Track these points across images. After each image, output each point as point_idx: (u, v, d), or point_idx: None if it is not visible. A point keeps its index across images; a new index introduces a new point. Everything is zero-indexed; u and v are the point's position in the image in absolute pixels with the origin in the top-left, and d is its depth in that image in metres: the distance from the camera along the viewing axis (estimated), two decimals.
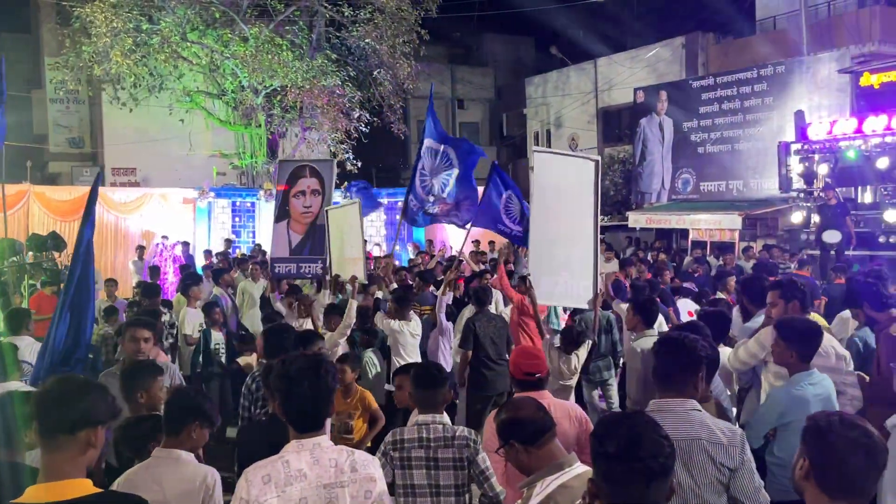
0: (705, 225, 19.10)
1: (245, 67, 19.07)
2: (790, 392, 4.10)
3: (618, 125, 27.25)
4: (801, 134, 16.38)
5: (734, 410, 5.32)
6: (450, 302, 8.94)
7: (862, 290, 5.76)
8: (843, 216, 13.86)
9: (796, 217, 15.57)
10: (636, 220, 21.48)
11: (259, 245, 17.53)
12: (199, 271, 14.24)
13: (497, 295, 9.96)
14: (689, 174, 22.02)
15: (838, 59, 18.28)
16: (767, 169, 18.65)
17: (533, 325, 7.02)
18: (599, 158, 6.67)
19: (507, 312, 8.98)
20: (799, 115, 17.67)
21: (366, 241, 18.71)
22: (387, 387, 7.66)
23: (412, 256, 17.20)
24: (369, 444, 5.80)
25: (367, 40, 20.32)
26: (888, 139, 13.96)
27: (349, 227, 8.05)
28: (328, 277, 8.04)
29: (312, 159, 12.42)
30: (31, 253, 13.42)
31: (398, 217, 9.58)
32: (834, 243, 13.52)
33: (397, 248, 19.64)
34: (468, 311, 8.69)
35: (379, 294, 9.56)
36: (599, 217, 6.48)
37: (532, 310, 7.10)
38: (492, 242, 18.13)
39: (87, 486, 2.45)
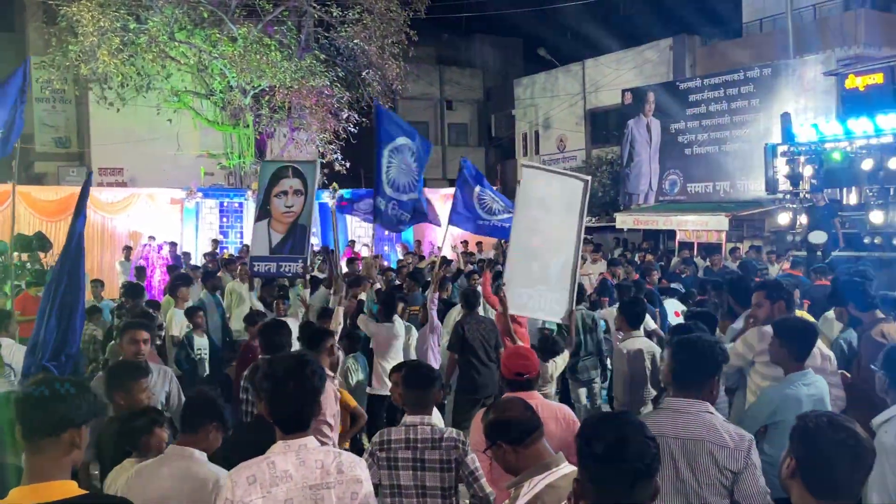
0: (692, 226, 19.18)
1: (233, 67, 19.01)
2: (783, 391, 4.11)
3: (605, 126, 27.33)
4: (788, 136, 16.46)
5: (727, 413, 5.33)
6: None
7: (847, 290, 5.76)
8: (831, 217, 13.94)
9: (783, 218, 15.64)
10: (623, 221, 21.54)
11: (247, 246, 17.45)
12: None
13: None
14: (677, 175, 22.11)
15: (824, 62, 18.42)
16: (754, 170, 18.74)
17: (521, 330, 7.02)
18: (590, 179, 6.67)
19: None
20: (785, 117, 17.74)
21: (353, 241, 18.81)
22: (368, 390, 7.64)
23: (401, 257, 17.19)
24: (347, 445, 5.77)
25: (355, 41, 20.30)
26: (873, 141, 14.04)
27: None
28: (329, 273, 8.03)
29: (295, 160, 12.41)
30: (16, 253, 13.30)
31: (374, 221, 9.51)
32: (820, 244, 13.59)
33: (386, 248, 19.66)
34: (456, 313, 8.67)
35: (363, 296, 9.54)
36: (583, 236, 6.50)
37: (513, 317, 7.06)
38: (479, 243, 18.15)
39: (71, 488, 2.42)
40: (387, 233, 20.41)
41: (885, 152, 13.70)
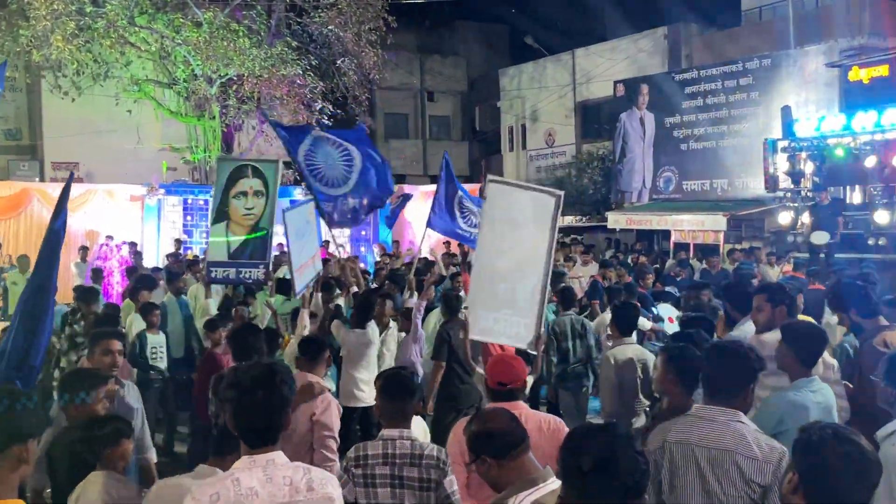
0: (688, 226, 19.29)
1: (198, 55, 18.89)
2: (789, 397, 4.13)
3: (597, 120, 27.43)
4: (788, 130, 16.60)
5: None
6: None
7: (849, 294, 5.76)
8: (835, 217, 14.07)
9: (784, 218, 15.76)
10: (616, 220, 21.63)
11: None
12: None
13: None
14: (672, 172, 22.23)
15: (826, 53, 18.57)
16: (753, 167, 18.87)
17: None
18: (562, 193, 6.63)
19: None
20: (786, 110, 17.90)
21: (328, 241, 18.74)
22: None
23: (378, 258, 17.14)
24: None
25: (330, 27, 20.25)
26: (877, 137, 14.18)
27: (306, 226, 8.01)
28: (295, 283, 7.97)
29: (255, 158, 12.39)
30: None
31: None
32: (823, 245, 13.71)
33: (363, 249, 19.62)
34: (435, 319, 8.65)
35: (341, 301, 9.50)
36: (553, 255, 6.49)
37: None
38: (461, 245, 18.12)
39: None
40: (363, 233, 20.41)
41: (890, 149, 13.83)
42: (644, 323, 8.02)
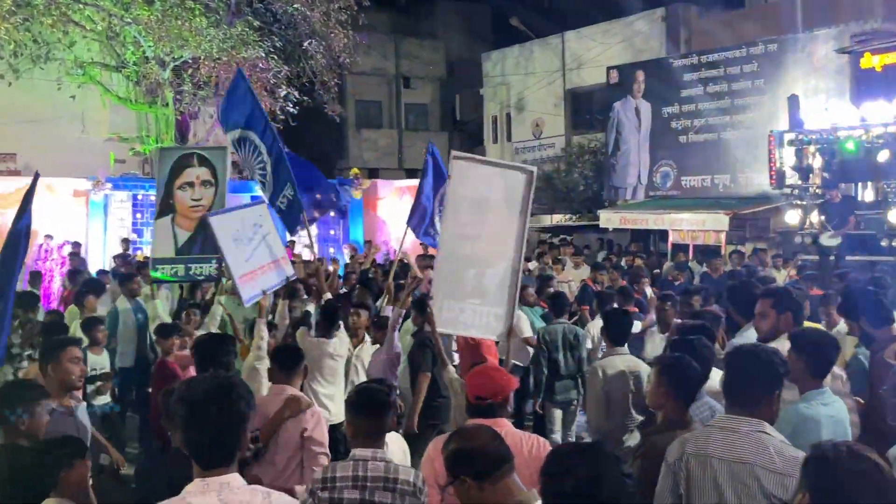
0: (687, 226, 19.37)
1: (149, 35, 18.76)
2: (800, 411, 4.16)
3: (588, 109, 27.53)
4: (796, 121, 16.72)
5: None
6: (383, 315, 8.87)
7: (860, 301, 5.78)
8: (847, 216, 14.17)
9: (791, 217, 15.86)
10: (609, 219, 21.69)
11: None
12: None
13: None
14: (669, 167, 22.35)
15: (836, 38, 18.73)
16: (758, 161, 19.00)
17: (486, 342, 7.00)
18: (535, 169, 6.65)
19: None
20: (793, 100, 18.04)
21: (293, 241, 18.68)
22: None
23: (348, 260, 17.08)
24: None
25: (295, 5, 20.17)
26: (891, 129, 14.29)
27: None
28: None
29: (201, 146, 12.34)
30: None
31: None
32: (834, 247, 13.82)
33: (331, 250, 19.56)
34: (407, 326, 8.64)
35: (311, 307, 9.49)
36: (526, 237, 6.49)
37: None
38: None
39: None
40: (332, 232, 20.36)
41: None
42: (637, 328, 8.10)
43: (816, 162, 15.79)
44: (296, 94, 20.76)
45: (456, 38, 35.05)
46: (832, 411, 4.17)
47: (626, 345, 6.33)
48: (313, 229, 20.10)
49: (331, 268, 13.54)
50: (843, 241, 13.80)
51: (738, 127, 20.66)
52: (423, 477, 3.93)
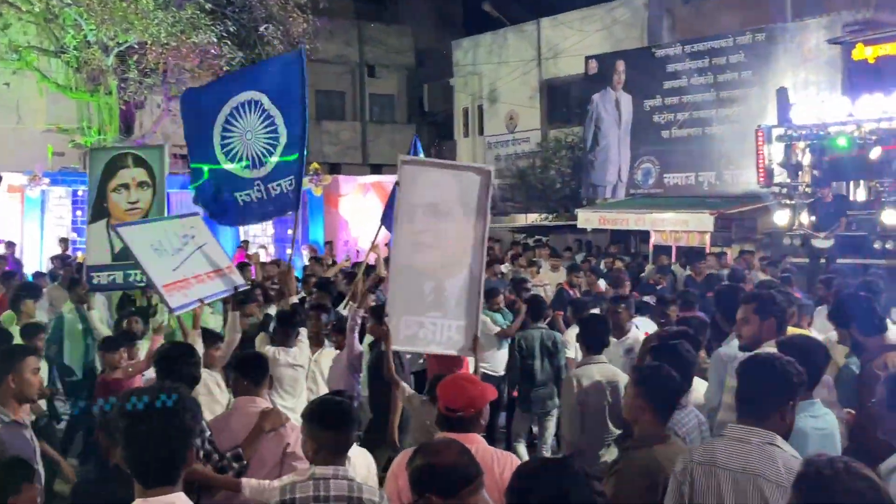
0: (670, 226, 19.48)
1: (91, 17, 18.61)
2: None
3: (565, 102, 27.66)
4: (785, 116, 16.89)
5: None
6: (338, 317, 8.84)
7: (851, 308, 5.78)
8: (839, 216, 14.33)
9: (780, 217, 16.02)
10: (587, 219, 21.77)
11: None
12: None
13: None
14: (651, 163, 22.49)
15: (828, 27, 18.94)
16: (745, 158, 19.18)
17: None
18: (492, 169, 6.70)
19: None
20: (782, 93, 18.22)
21: (247, 241, 18.59)
22: None
23: (307, 262, 17.00)
24: None
25: None
26: (884, 125, 14.47)
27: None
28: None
29: (135, 146, 12.32)
30: None
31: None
32: (825, 249, 13.99)
33: (288, 251, 19.44)
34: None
35: (272, 310, 9.45)
36: (486, 242, 6.51)
37: None
38: None
39: None
40: (290, 231, 20.21)
41: None
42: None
43: (806, 159, 15.99)
44: None
45: (424, 25, 35.05)
46: (821, 424, 4.20)
47: (603, 353, 6.35)
48: (269, 229, 20.13)
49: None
50: (833, 242, 13.95)
51: (724, 121, 20.84)
52: (387, 493, 3.93)
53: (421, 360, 8.49)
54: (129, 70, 19.92)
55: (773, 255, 15.71)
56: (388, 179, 20.02)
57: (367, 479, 4.70)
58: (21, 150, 21.09)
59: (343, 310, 9.88)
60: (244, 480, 4.63)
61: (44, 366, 8.58)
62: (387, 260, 14.89)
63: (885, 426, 3.87)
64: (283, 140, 8.64)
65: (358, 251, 19.13)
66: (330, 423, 3.97)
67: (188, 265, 7.53)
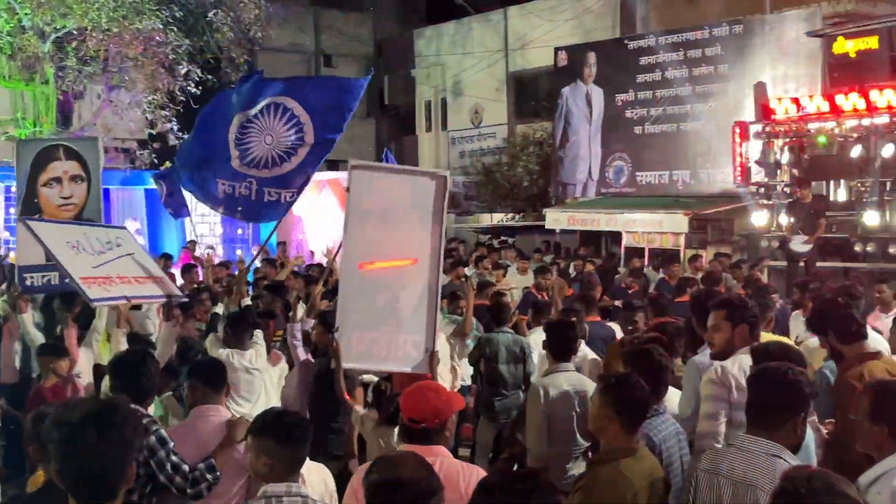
0: (643, 227, 19.59)
1: (27, 1, 18.38)
2: None
3: (534, 95, 27.68)
4: (763, 112, 17.03)
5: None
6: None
7: (829, 314, 5.74)
8: (819, 217, 14.45)
9: (758, 218, 16.17)
10: (556, 219, 21.82)
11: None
12: None
13: None
14: (624, 161, 22.58)
15: (807, 20, 19.08)
16: (721, 156, 19.33)
17: None
18: (448, 174, 6.73)
19: None
20: (759, 88, 18.39)
21: (194, 241, 18.45)
22: None
23: (258, 264, 16.90)
24: None
25: None
26: (865, 122, 14.64)
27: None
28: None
29: (66, 138, 12.26)
30: None
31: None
32: (804, 252, 14.13)
33: (238, 252, 19.32)
34: None
35: (219, 309, 9.41)
36: (443, 251, 6.53)
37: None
38: None
39: None
40: (240, 231, 20.13)
41: (880, 136, 14.28)
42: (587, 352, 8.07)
43: (785, 157, 16.15)
44: (198, 72, 20.54)
45: (385, 12, 34.98)
46: None
47: (571, 361, 6.36)
48: (217, 228, 20.00)
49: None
50: (813, 245, 14.07)
51: (699, 117, 20.93)
52: None
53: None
54: (68, 58, 19.71)
55: (750, 259, 15.86)
56: (345, 176, 19.92)
57: (324, 495, 4.69)
58: None
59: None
60: None
61: None
62: None
63: (866, 439, 3.90)
64: (304, 154, 8.78)
65: (312, 252, 19.05)
66: (284, 438, 3.97)
67: (112, 266, 7.51)
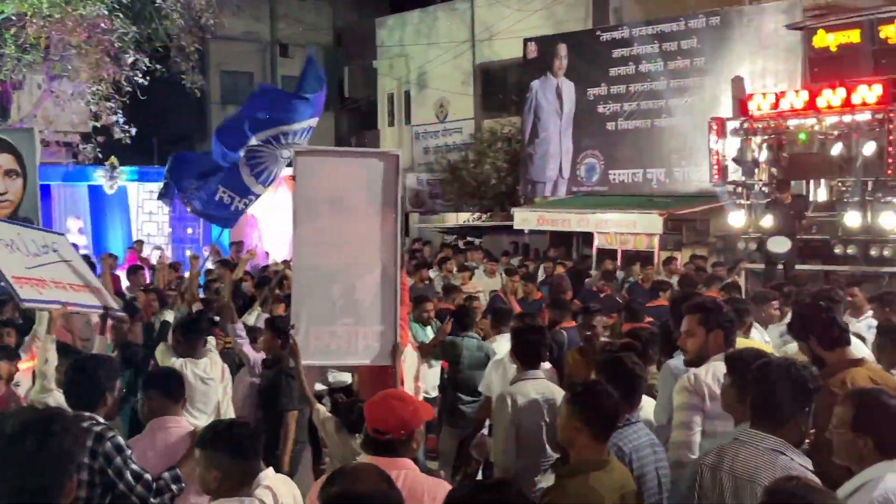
0: (615, 227, 19.66)
1: None
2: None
3: (502, 88, 27.75)
4: (741, 108, 17.14)
5: None
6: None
7: (810, 319, 5.76)
8: (799, 218, 14.56)
9: (735, 219, 16.25)
10: (525, 219, 21.87)
11: None
12: None
13: None
14: (596, 158, 22.66)
15: (787, 12, 19.25)
16: (697, 153, 19.44)
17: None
18: (399, 153, 6.72)
19: None
20: (737, 82, 18.51)
21: (141, 241, 18.31)
22: None
23: (210, 266, 16.79)
24: None
25: None
26: (846, 119, 14.78)
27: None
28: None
29: (1, 129, 12.13)
30: None
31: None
32: (782, 254, 14.23)
33: (188, 252, 19.19)
34: None
35: (169, 316, 9.35)
36: (401, 235, 6.52)
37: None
38: None
39: None
40: (190, 231, 19.98)
41: (862, 133, 14.41)
42: None
43: (763, 155, 16.25)
44: (146, 61, 20.36)
45: (345, 0, 34.92)
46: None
47: (540, 368, 6.35)
48: (165, 228, 19.85)
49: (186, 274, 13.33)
50: (792, 247, 14.17)
51: (675, 113, 21.05)
52: None
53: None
54: (6, 45, 19.46)
55: (726, 261, 15.95)
56: None
57: None
58: None
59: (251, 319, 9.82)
60: None
61: None
62: None
63: (845, 450, 3.91)
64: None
65: (267, 253, 18.94)
66: (237, 450, 3.96)
67: (47, 270, 7.44)
